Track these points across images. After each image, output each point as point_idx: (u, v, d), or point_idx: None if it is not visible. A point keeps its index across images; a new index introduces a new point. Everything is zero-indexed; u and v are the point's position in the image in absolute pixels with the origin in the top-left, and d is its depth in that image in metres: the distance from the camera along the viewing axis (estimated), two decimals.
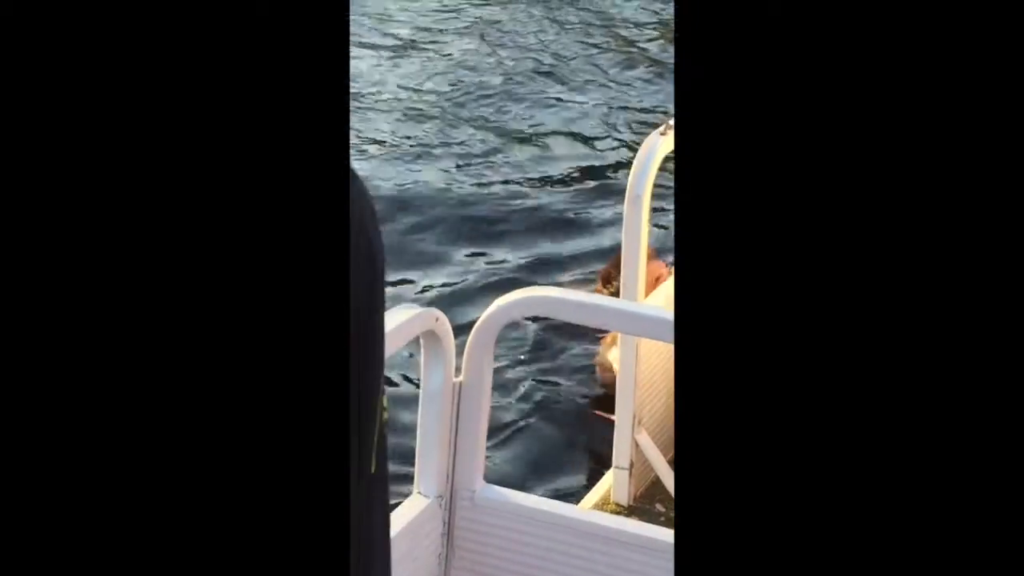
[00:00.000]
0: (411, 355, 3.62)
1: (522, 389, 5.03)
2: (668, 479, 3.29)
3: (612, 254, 4.47)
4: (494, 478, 2.95)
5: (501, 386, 4.80)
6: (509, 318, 2.69)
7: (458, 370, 2.66)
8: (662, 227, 5.58)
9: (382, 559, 1.25)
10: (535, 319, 4.11)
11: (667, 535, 2.55)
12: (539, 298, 2.79)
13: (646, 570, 2.58)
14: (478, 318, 2.66)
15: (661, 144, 3.12)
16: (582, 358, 5.04)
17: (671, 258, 4.67)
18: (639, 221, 3.12)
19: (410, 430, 2.74)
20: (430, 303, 5.04)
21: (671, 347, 3.21)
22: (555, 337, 5.21)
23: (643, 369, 3.31)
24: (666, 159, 3.18)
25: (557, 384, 5.07)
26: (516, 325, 4.25)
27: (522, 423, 4.87)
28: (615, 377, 3.46)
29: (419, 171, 6.24)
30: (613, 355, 4.07)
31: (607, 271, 4.43)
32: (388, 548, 1.28)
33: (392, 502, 2.14)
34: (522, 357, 5.14)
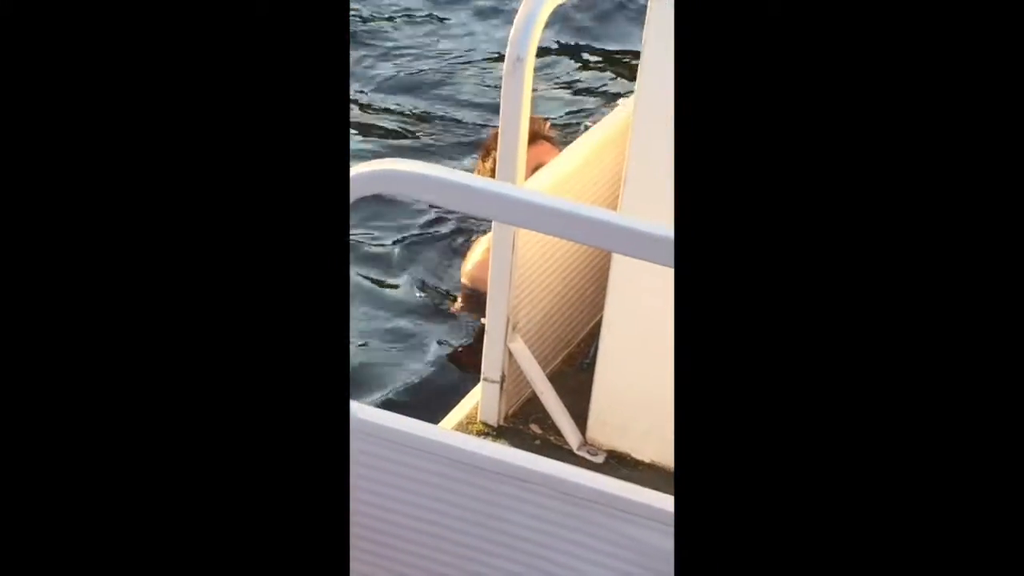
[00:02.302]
0: None
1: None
2: (547, 395, 2.91)
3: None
4: None
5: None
6: (360, 194, 2.22)
7: None
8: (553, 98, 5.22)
9: None
10: None
11: (538, 463, 2.12)
12: (393, 173, 2.27)
13: (515, 504, 2.19)
14: None
15: None
16: None
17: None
18: (520, 88, 2.66)
19: None
20: None
21: (553, 240, 2.87)
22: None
23: (521, 264, 2.88)
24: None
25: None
26: None
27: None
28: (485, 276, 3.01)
29: None
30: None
31: (488, 143, 3.94)
32: None
33: None
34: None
